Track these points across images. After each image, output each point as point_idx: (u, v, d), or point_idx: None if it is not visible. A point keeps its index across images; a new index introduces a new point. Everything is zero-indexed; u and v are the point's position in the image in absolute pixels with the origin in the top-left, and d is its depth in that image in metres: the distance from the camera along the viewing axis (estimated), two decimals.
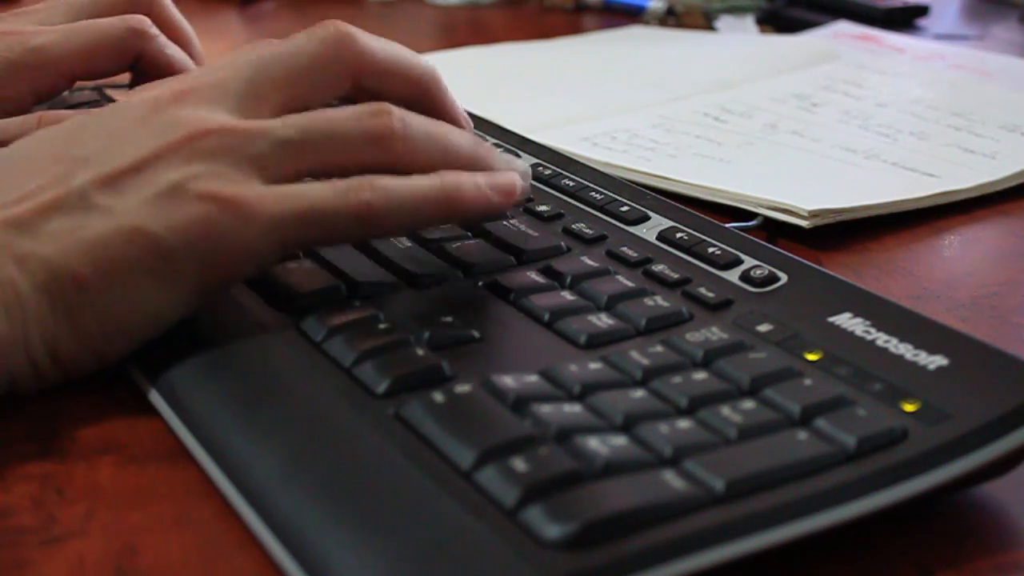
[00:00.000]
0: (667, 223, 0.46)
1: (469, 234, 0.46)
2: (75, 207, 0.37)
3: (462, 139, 0.41)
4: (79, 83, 0.54)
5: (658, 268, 0.43)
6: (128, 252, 0.36)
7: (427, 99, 0.43)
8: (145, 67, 0.53)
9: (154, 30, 0.53)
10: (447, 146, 0.40)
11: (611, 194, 0.49)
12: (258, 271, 0.39)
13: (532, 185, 0.51)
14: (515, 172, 0.42)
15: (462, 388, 0.34)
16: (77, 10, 0.54)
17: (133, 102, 0.40)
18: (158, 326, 0.38)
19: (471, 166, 0.40)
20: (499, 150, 0.49)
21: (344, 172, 0.39)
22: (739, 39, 0.95)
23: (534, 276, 0.42)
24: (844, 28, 0.96)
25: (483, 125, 0.59)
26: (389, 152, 0.39)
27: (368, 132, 0.39)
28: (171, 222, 0.36)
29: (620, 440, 0.31)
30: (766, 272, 0.42)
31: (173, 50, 0.54)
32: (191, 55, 0.56)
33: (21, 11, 0.54)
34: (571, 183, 0.51)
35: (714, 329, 0.38)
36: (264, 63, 0.40)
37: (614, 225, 0.47)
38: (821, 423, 0.33)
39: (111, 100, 0.60)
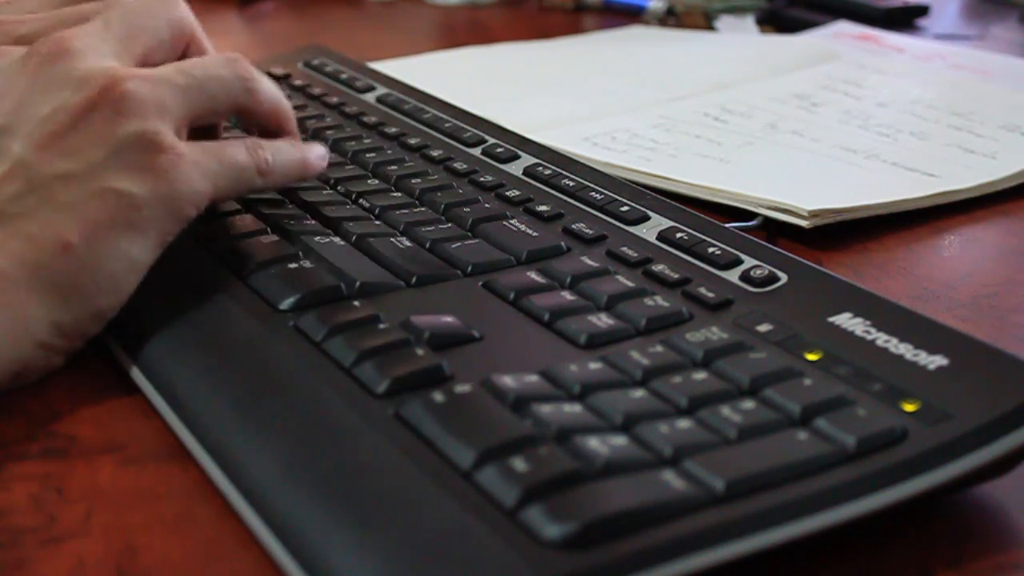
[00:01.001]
0: (667, 223, 0.46)
1: (469, 234, 0.46)
2: (29, 178, 0.38)
3: (279, 91, 0.47)
4: None
5: (658, 268, 0.43)
6: (105, 210, 0.38)
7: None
8: None
9: None
10: (277, 92, 0.46)
11: (611, 194, 0.49)
12: (197, 214, 0.41)
13: (532, 185, 0.51)
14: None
15: (462, 388, 0.34)
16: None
17: (4, 62, 0.42)
18: (140, 273, 0.39)
19: (288, 116, 0.47)
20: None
21: (216, 118, 0.45)
22: (739, 39, 0.95)
23: (534, 276, 0.42)
24: (844, 28, 0.96)
25: (483, 125, 0.59)
26: (253, 94, 0.44)
27: (239, 74, 0.44)
28: (134, 176, 0.39)
29: (620, 440, 0.31)
30: (766, 272, 0.42)
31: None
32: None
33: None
34: (571, 183, 0.51)
35: (714, 329, 0.38)
36: (119, 15, 0.44)
37: (614, 225, 0.47)
38: (821, 423, 0.33)
39: None
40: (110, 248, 0.38)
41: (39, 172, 0.38)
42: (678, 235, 0.45)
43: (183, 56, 0.47)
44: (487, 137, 0.57)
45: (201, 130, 0.47)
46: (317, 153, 0.47)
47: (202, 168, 0.41)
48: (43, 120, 0.39)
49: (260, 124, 0.46)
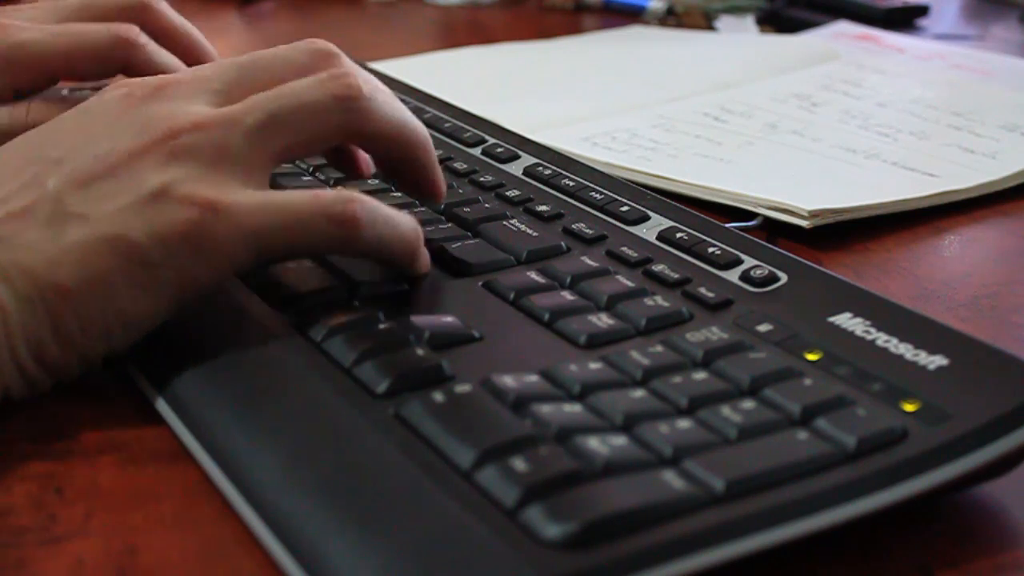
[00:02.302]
0: (667, 223, 0.46)
1: (469, 234, 0.46)
2: (50, 213, 0.36)
3: (403, 109, 0.41)
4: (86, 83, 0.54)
5: (658, 268, 0.43)
6: (110, 261, 0.36)
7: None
8: (136, 76, 0.52)
9: (143, 39, 0.52)
10: (403, 110, 0.41)
11: (611, 194, 0.49)
12: (235, 275, 0.38)
13: (532, 185, 0.51)
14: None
15: (462, 388, 0.34)
16: (68, 12, 0.54)
17: (107, 99, 0.39)
18: (139, 331, 0.37)
19: (418, 138, 0.41)
20: None
21: (316, 149, 0.40)
22: (739, 39, 0.95)
23: (534, 276, 0.42)
24: (844, 28, 0.96)
25: (483, 125, 0.59)
26: (356, 113, 0.39)
27: (337, 94, 0.38)
28: (151, 229, 0.36)
29: (620, 440, 0.31)
30: (766, 272, 0.42)
31: (164, 57, 0.53)
32: (199, 56, 0.55)
33: (13, 8, 0.54)
34: (571, 183, 0.51)
35: (714, 329, 0.38)
36: (248, 62, 0.40)
37: (614, 225, 0.47)
38: (821, 423, 0.33)
39: None
40: (106, 301, 0.36)
41: (60, 209, 0.36)
42: (678, 235, 0.45)
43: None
44: (487, 137, 0.57)
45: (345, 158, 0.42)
46: (426, 260, 0.41)
47: (248, 224, 0.36)
48: (93, 159, 0.37)
49: (377, 152, 0.41)
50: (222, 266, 0.37)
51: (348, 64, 0.40)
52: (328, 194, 0.38)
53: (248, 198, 0.37)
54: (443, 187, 0.43)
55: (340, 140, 0.40)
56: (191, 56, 0.55)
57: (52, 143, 0.38)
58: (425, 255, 0.41)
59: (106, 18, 0.53)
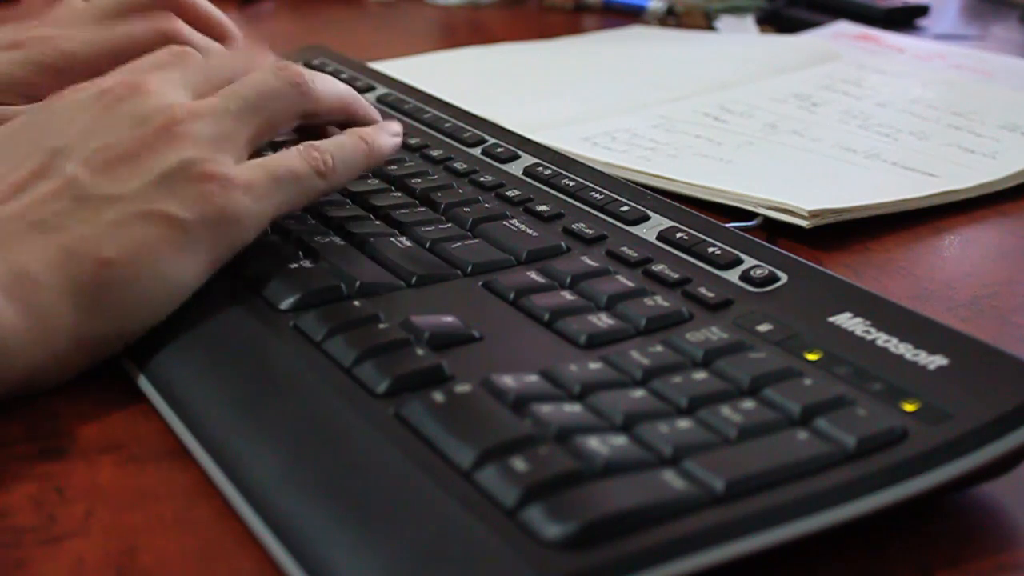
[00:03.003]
0: (667, 223, 0.46)
1: (469, 234, 0.46)
2: (76, 197, 0.38)
3: (337, 81, 0.48)
4: None
5: (658, 268, 0.43)
6: (149, 231, 0.38)
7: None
8: None
9: (185, 29, 0.54)
10: (336, 84, 0.47)
11: (611, 194, 0.49)
12: (256, 234, 0.41)
13: (532, 185, 0.51)
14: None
15: (462, 388, 0.34)
16: (104, 13, 0.54)
17: (81, 97, 0.42)
18: (179, 298, 0.40)
19: (353, 101, 0.48)
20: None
21: (279, 130, 0.45)
22: (739, 39, 0.95)
23: (534, 276, 0.42)
24: (844, 28, 0.96)
25: (483, 125, 0.59)
26: (308, 96, 0.45)
27: (290, 80, 0.44)
28: (181, 201, 0.39)
29: (620, 440, 0.31)
30: (766, 272, 0.42)
31: (208, 45, 0.54)
32: (229, 42, 0.56)
33: (51, 17, 0.54)
34: (571, 183, 0.51)
35: (714, 329, 0.38)
36: (199, 64, 0.45)
37: (614, 225, 0.47)
38: (821, 423, 0.33)
39: None
40: (150, 269, 0.38)
41: (88, 191, 0.38)
42: (678, 235, 0.45)
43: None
44: (487, 137, 0.57)
45: (310, 131, 0.48)
46: (390, 131, 0.47)
47: (255, 188, 0.41)
48: (100, 148, 0.40)
49: (328, 121, 0.47)
50: (245, 226, 0.41)
51: (275, 59, 0.47)
52: (297, 150, 0.44)
53: (245, 167, 0.42)
54: (378, 116, 0.50)
55: (298, 119, 0.46)
56: (223, 42, 0.56)
57: (47, 134, 0.41)
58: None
59: (142, 10, 0.54)
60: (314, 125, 0.48)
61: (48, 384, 0.38)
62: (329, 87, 0.46)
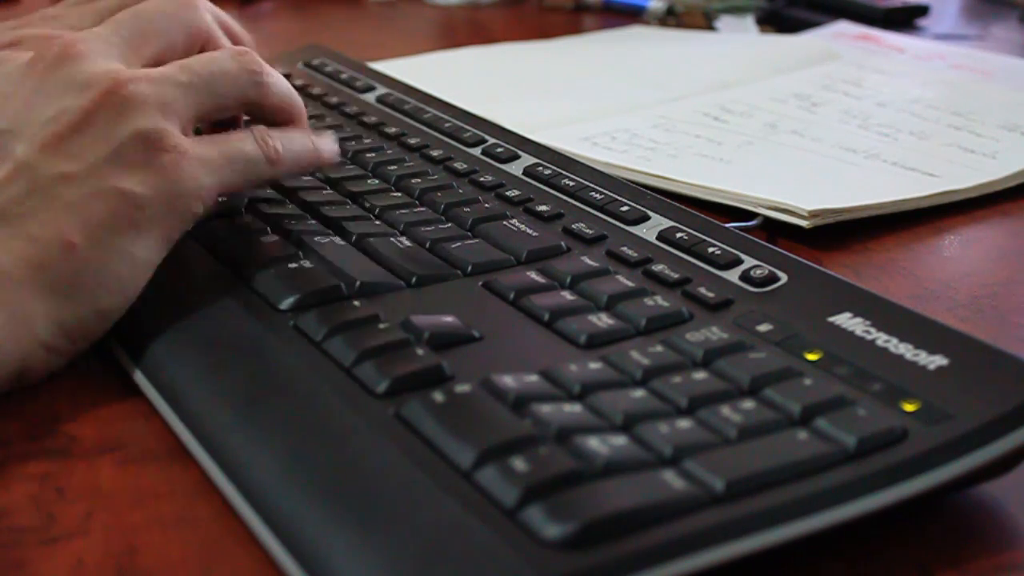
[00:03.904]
0: (667, 223, 0.46)
1: (469, 234, 0.46)
2: (33, 178, 0.38)
3: (289, 84, 0.47)
4: None
5: (658, 268, 0.43)
6: (109, 209, 0.38)
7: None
8: None
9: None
10: (289, 86, 0.46)
11: (611, 194, 0.49)
12: (204, 210, 0.41)
13: (532, 185, 0.51)
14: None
15: (462, 388, 0.34)
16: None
17: (9, 69, 0.42)
18: (146, 273, 0.39)
19: (299, 109, 0.47)
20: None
21: (225, 113, 0.44)
22: (739, 39, 0.95)
23: (534, 276, 0.42)
24: (844, 28, 0.96)
25: (483, 125, 0.59)
26: (260, 87, 0.44)
27: (246, 67, 0.44)
28: (136, 175, 0.39)
29: (620, 440, 0.31)
30: (766, 272, 0.42)
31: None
32: (237, 40, 0.56)
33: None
34: (571, 183, 0.51)
35: (714, 329, 0.38)
36: (129, 18, 0.44)
37: (614, 225, 0.47)
38: (821, 423, 0.33)
39: None
40: (113, 248, 0.38)
41: (42, 173, 0.38)
42: (678, 235, 0.45)
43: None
44: (487, 137, 0.57)
45: (221, 124, 0.47)
46: (329, 143, 0.47)
47: (207, 163, 0.41)
48: (46, 122, 0.39)
49: (271, 118, 0.46)
50: (196, 200, 0.40)
51: (208, 17, 0.47)
52: (251, 133, 0.43)
53: (197, 142, 0.41)
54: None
55: (242, 108, 0.45)
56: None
57: None
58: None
59: None
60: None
61: (42, 372, 0.38)
62: (283, 87, 0.46)
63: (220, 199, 0.43)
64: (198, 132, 0.44)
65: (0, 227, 0.37)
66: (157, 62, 0.44)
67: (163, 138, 0.39)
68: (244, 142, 0.43)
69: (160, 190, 0.39)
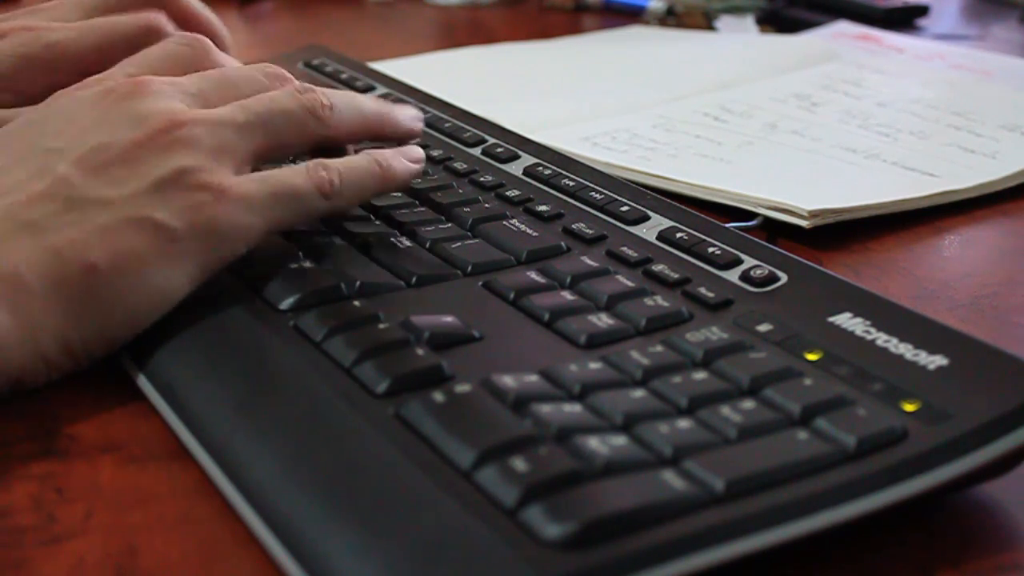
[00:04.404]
0: (667, 223, 0.46)
1: (469, 234, 0.46)
2: (69, 197, 0.38)
3: (368, 102, 0.47)
4: None
5: (658, 268, 0.43)
6: (138, 238, 0.38)
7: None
8: None
9: (169, 27, 0.53)
10: (361, 109, 0.46)
11: (611, 194, 0.49)
12: (247, 248, 0.41)
13: (532, 185, 0.51)
14: (416, 144, 0.48)
15: (462, 388, 0.34)
16: (91, 7, 0.54)
17: (83, 96, 0.42)
18: (164, 307, 0.39)
19: (379, 125, 0.47)
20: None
21: (287, 151, 0.45)
22: (739, 39, 0.95)
23: (534, 276, 0.42)
24: (844, 28, 0.96)
25: (483, 125, 0.59)
26: (324, 121, 0.44)
27: (306, 106, 0.44)
28: (172, 209, 0.39)
29: (620, 440, 0.31)
30: (766, 272, 0.42)
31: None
32: (218, 45, 0.56)
33: (35, 8, 0.54)
34: (571, 183, 0.51)
35: (714, 329, 0.38)
36: (216, 75, 0.44)
37: (614, 225, 0.47)
38: (821, 423, 0.33)
39: None
40: (136, 277, 0.38)
41: (79, 193, 0.38)
42: (678, 235, 0.45)
43: None
44: (487, 137, 0.57)
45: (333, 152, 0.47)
46: (408, 157, 0.46)
47: (251, 201, 0.40)
48: (95, 148, 0.39)
49: (352, 143, 0.46)
50: (236, 239, 0.40)
51: (301, 83, 0.46)
52: (303, 166, 0.43)
53: (244, 179, 0.41)
54: (416, 127, 0.49)
55: (311, 145, 0.45)
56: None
57: (45, 134, 0.40)
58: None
59: (128, 10, 0.54)
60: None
61: (38, 384, 0.38)
62: (350, 115, 0.45)
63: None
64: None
65: (28, 237, 0.37)
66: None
67: (204, 177, 0.39)
68: (295, 177, 0.42)
69: (194, 227, 0.39)
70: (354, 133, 0.46)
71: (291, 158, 0.48)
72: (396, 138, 0.48)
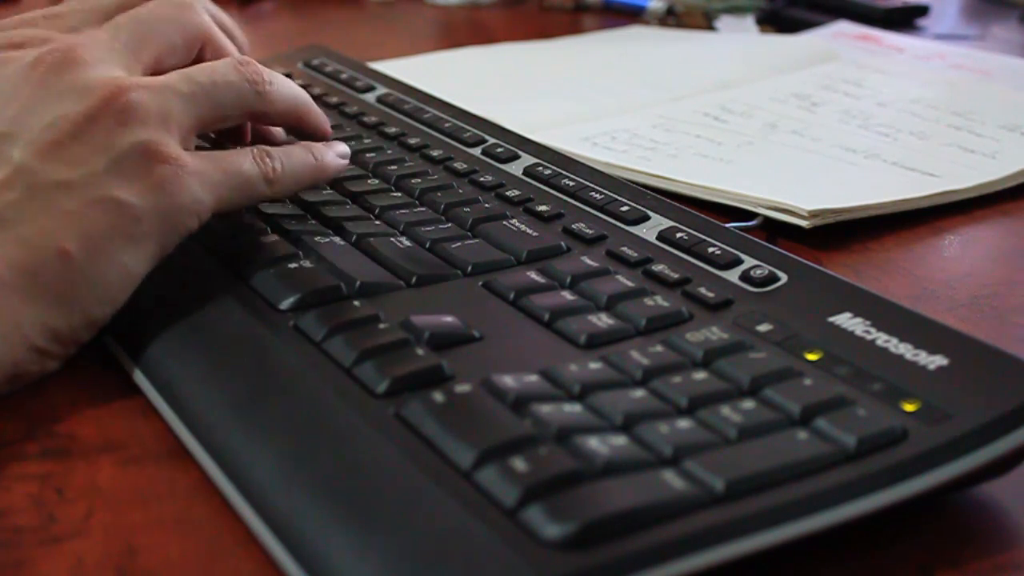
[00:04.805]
0: (667, 223, 0.46)
1: (469, 234, 0.46)
2: (29, 185, 0.38)
3: (298, 87, 0.47)
4: None
5: (658, 268, 0.43)
6: (105, 220, 0.38)
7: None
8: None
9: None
10: (295, 91, 0.46)
11: (611, 194, 0.49)
12: (199, 226, 0.41)
13: (532, 185, 0.51)
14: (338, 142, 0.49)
15: (462, 388, 0.34)
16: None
17: (9, 71, 0.41)
18: (134, 283, 0.39)
19: (307, 111, 0.47)
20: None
21: (226, 123, 0.44)
22: (739, 39, 0.95)
23: (534, 276, 0.42)
24: (844, 28, 0.96)
25: (483, 125, 0.59)
26: (263, 96, 0.44)
27: (248, 78, 0.44)
28: (135, 186, 0.39)
29: (620, 440, 0.31)
30: (766, 272, 0.42)
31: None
32: (234, 42, 0.56)
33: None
34: (571, 183, 0.51)
35: (714, 329, 0.38)
36: (129, 22, 0.44)
37: (614, 225, 0.47)
38: (821, 423, 0.33)
39: None
40: (107, 258, 0.38)
41: (39, 179, 0.38)
42: (678, 235, 0.45)
43: (199, 60, 0.47)
44: (487, 137, 0.57)
45: (231, 134, 0.47)
46: (337, 152, 0.47)
47: (205, 179, 0.40)
48: (45, 128, 0.39)
49: (278, 124, 0.46)
50: (193, 214, 0.40)
51: (206, 17, 0.47)
52: (250, 151, 0.43)
53: (196, 157, 0.41)
54: (329, 129, 0.49)
55: (246, 118, 0.45)
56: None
57: None
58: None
59: None
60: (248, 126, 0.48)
61: (35, 375, 0.38)
62: (286, 92, 0.45)
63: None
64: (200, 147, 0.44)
65: None
66: (157, 65, 0.44)
67: (162, 150, 0.39)
68: (243, 160, 0.42)
69: (157, 203, 0.39)
70: (286, 113, 0.46)
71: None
72: (313, 131, 0.48)
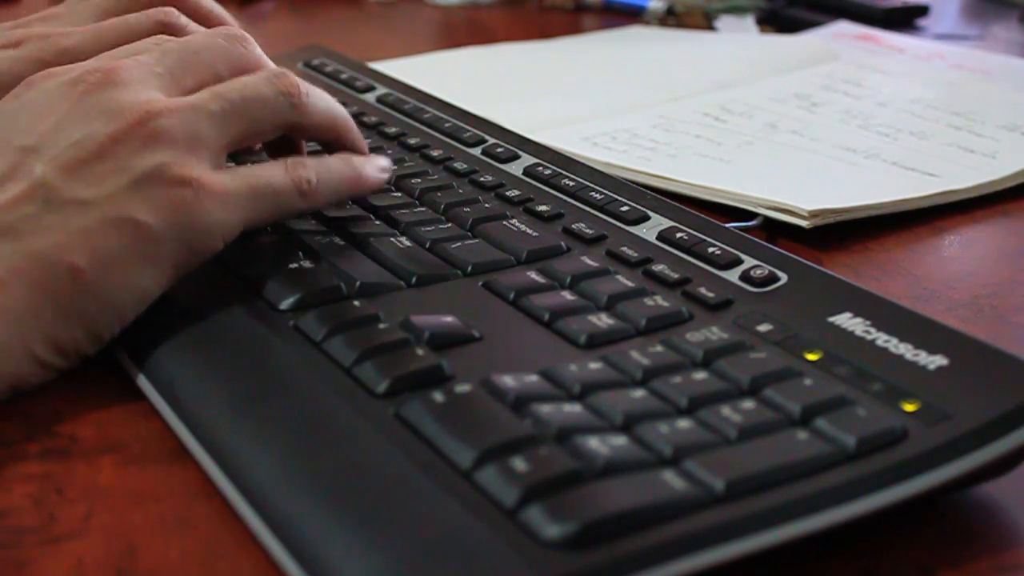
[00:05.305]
0: (667, 223, 0.46)
1: (469, 234, 0.46)
2: (47, 200, 0.38)
3: (337, 103, 0.46)
4: None
5: (658, 268, 0.43)
6: (119, 240, 0.38)
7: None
8: None
9: (182, 20, 0.53)
10: (333, 105, 0.46)
11: (611, 194, 0.49)
12: (224, 244, 0.41)
13: (532, 185, 0.51)
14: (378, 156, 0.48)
15: (462, 388, 0.34)
16: (103, 10, 0.54)
17: (51, 86, 0.41)
18: (146, 303, 0.39)
19: (346, 127, 0.46)
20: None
21: (262, 138, 0.44)
22: (739, 39, 0.95)
23: (534, 276, 0.42)
24: (844, 28, 0.96)
25: (483, 125, 0.59)
26: (298, 108, 0.43)
27: (282, 91, 0.43)
28: (153, 208, 0.38)
29: (620, 440, 0.31)
30: (766, 272, 0.42)
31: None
32: None
33: (48, 15, 0.54)
34: (571, 183, 0.51)
35: (714, 329, 0.38)
36: (177, 48, 0.43)
37: (614, 225, 0.47)
38: (821, 423, 0.33)
39: None
40: (119, 277, 0.38)
41: (58, 195, 0.38)
42: (678, 235, 0.45)
43: None
44: (487, 137, 0.57)
45: (284, 145, 0.46)
46: (377, 166, 0.46)
47: (229, 198, 0.40)
48: (70, 146, 0.39)
49: (315, 139, 0.45)
50: (214, 235, 0.40)
51: (259, 51, 0.46)
52: (281, 163, 0.43)
53: (224, 175, 0.41)
54: (366, 147, 0.48)
55: (282, 131, 0.44)
56: None
57: (17, 130, 0.40)
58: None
59: (139, 8, 0.53)
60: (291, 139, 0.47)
61: (35, 384, 0.38)
62: (323, 105, 0.45)
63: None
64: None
65: (9, 242, 0.37)
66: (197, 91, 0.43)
67: (183, 172, 0.39)
68: (273, 173, 0.42)
69: (175, 225, 0.39)
70: (323, 126, 0.45)
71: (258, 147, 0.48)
72: (351, 146, 0.46)
